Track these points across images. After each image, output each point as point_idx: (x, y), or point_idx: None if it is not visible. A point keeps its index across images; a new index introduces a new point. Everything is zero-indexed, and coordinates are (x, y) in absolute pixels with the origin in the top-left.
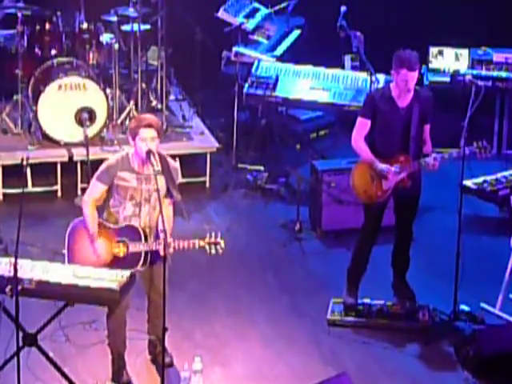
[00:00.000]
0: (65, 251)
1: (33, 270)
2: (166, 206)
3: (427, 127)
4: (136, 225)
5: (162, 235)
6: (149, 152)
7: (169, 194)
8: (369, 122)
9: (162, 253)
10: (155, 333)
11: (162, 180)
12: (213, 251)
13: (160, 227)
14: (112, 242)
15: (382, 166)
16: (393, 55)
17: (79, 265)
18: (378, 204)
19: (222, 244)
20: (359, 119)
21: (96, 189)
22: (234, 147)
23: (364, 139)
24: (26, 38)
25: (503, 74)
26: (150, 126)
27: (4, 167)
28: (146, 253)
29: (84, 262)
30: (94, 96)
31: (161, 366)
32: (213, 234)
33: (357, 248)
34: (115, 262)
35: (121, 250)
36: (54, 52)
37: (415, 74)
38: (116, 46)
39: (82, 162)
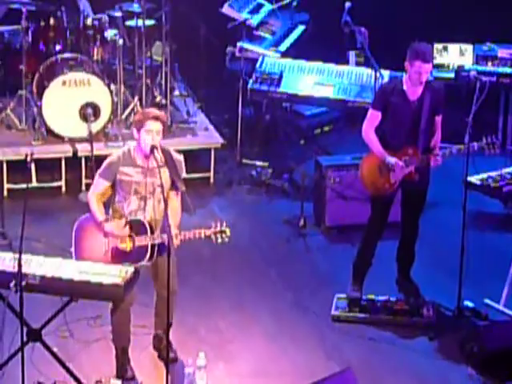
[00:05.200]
0: (72, 249)
1: (37, 265)
2: (171, 198)
3: (439, 119)
4: (142, 218)
5: (167, 230)
6: (153, 147)
7: (174, 186)
8: (379, 114)
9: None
10: (162, 327)
11: (165, 173)
12: (219, 240)
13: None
14: (121, 228)
15: (390, 159)
16: (397, 51)
17: (87, 261)
18: (386, 197)
19: (228, 232)
20: (370, 111)
21: (99, 185)
22: (238, 143)
23: (375, 131)
24: (30, 33)
25: (508, 70)
26: (157, 118)
27: (8, 163)
28: (153, 246)
29: (92, 257)
30: (98, 91)
31: (165, 361)
32: (218, 224)
33: (363, 241)
34: (122, 257)
35: (127, 245)
36: (58, 48)
37: (429, 67)
38: (120, 42)
39: (87, 158)
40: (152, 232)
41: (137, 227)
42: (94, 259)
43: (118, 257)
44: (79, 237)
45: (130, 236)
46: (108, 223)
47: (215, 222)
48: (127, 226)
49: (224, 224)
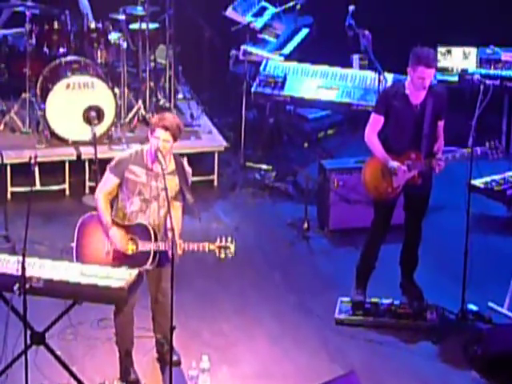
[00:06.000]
0: (73, 245)
1: (41, 268)
2: (176, 207)
3: (441, 124)
4: (147, 224)
5: (170, 234)
6: (156, 150)
7: (181, 195)
8: (382, 118)
9: (170, 252)
10: (161, 331)
11: (175, 180)
12: (222, 255)
13: (168, 226)
14: (123, 238)
15: (393, 164)
16: (401, 54)
17: (87, 260)
18: (388, 201)
19: (232, 249)
20: (373, 115)
21: (108, 181)
22: (241, 146)
23: (377, 135)
24: (34, 36)
25: (511, 73)
26: (166, 128)
27: (12, 166)
28: (155, 252)
29: (92, 257)
30: (102, 95)
31: (168, 364)
32: (223, 238)
33: (366, 245)
34: (125, 260)
35: (130, 248)
36: (62, 51)
37: (432, 72)
38: (124, 45)
39: (90, 161)
40: (156, 239)
41: (141, 232)
42: (94, 258)
43: (120, 259)
44: (82, 234)
45: (133, 240)
46: (114, 228)
47: (220, 236)
48: (129, 242)
49: (229, 240)
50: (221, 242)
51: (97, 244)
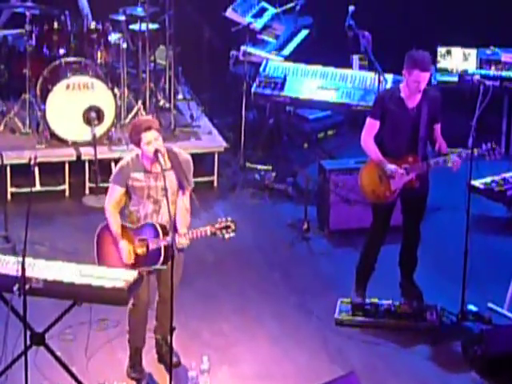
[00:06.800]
0: (95, 255)
1: (40, 269)
2: (180, 197)
3: (438, 127)
4: (152, 221)
5: (180, 230)
6: (156, 151)
7: (181, 186)
8: (377, 123)
9: (177, 245)
10: (161, 332)
11: (171, 175)
12: (226, 236)
13: (176, 220)
14: (133, 242)
15: (390, 167)
16: (400, 55)
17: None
18: (387, 204)
19: (233, 226)
20: (368, 119)
21: (114, 192)
22: (241, 147)
23: (373, 139)
24: (34, 37)
25: (511, 74)
26: (149, 128)
27: (12, 166)
28: (166, 248)
29: (113, 264)
30: (101, 95)
31: (168, 365)
32: (223, 219)
33: (365, 247)
34: (141, 261)
35: (142, 249)
36: (62, 51)
37: (427, 75)
38: (124, 46)
39: (90, 162)
40: (165, 234)
41: (150, 231)
42: (115, 266)
43: (137, 262)
44: (100, 244)
45: (144, 240)
46: (122, 242)
47: (220, 218)
48: (139, 244)
49: (229, 219)
50: (221, 223)
51: (115, 252)
